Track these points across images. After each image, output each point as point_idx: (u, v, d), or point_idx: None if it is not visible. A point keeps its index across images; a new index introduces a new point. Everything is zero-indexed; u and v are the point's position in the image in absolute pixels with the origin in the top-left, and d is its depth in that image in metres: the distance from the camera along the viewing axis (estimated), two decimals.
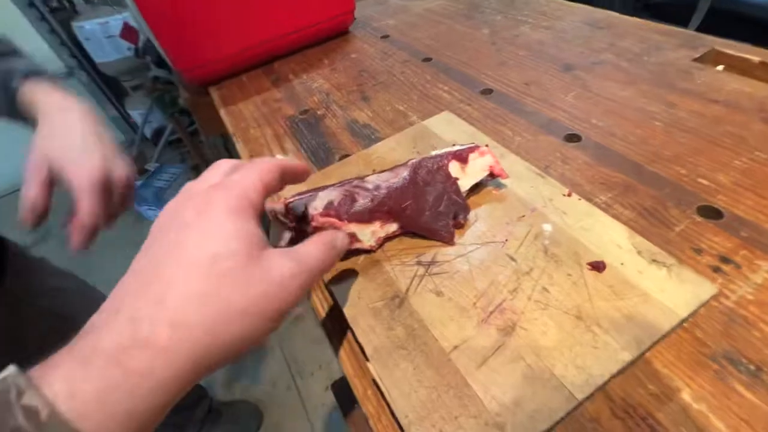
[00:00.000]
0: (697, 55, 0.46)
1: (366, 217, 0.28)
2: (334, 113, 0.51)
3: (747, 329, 0.24)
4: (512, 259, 0.26)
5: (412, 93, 0.51)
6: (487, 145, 0.33)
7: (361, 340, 0.24)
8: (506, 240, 0.28)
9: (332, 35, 0.69)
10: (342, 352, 0.27)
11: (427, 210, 0.30)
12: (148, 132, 1.89)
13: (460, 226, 0.31)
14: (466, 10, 0.69)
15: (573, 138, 0.40)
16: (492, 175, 0.33)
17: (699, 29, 0.66)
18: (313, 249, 0.21)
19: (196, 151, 1.23)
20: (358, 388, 0.25)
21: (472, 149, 0.32)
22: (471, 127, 0.39)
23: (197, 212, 0.19)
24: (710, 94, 0.41)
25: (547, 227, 0.28)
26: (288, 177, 0.23)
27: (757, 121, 0.37)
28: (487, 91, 0.48)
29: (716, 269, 0.27)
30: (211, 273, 0.17)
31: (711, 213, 0.30)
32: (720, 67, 0.46)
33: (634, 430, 0.21)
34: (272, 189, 0.21)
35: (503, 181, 0.33)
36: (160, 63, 1.33)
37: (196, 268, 0.17)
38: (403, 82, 0.54)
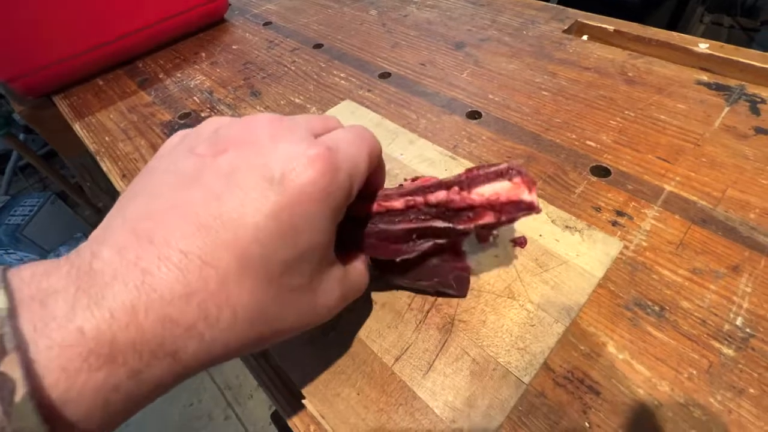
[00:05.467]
0: (566, 27, 0.50)
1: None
2: (221, 113, 0.45)
3: (647, 274, 0.26)
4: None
5: (308, 83, 0.47)
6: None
7: (292, 376, 0.21)
8: None
9: (205, 25, 0.60)
10: (274, 390, 0.23)
11: None
12: None
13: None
14: None
15: (474, 115, 0.40)
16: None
17: (560, 2, 0.73)
18: (362, 279, 0.19)
19: (57, 177, 1.01)
20: (299, 427, 0.22)
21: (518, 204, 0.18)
22: (376, 115, 0.37)
23: (283, 179, 0.13)
24: (582, 62, 0.45)
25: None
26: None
27: (621, 83, 0.41)
28: (386, 75, 0.47)
29: (614, 223, 0.29)
30: (275, 283, 0.13)
31: (601, 172, 0.33)
32: (585, 37, 0.50)
33: (575, 393, 0.22)
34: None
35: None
36: None
37: (252, 270, 0.13)
38: (296, 72, 0.49)
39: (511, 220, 0.18)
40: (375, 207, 0.19)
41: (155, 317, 0.12)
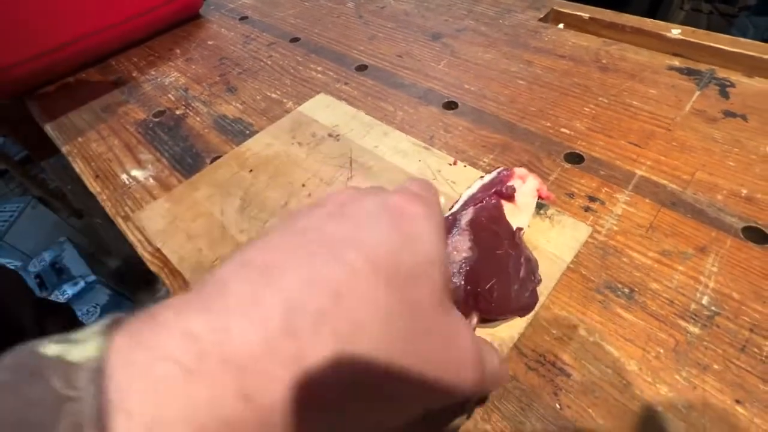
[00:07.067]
0: (542, 15, 0.51)
1: None
2: (196, 111, 0.44)
3: (618, 257, 0.27)
4: None
5: (284, 77, 0.47)
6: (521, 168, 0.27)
7: None
8: None
9: (180, 21, 0.59)
10: None
11: (516, 283, 0.22)
12: None
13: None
14: None
15: (451, 105, 0.40)
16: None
17: None
18: (494, 358, 0.16)
19: (35, 182, 0.99)
20: None
21: (508, 176, 0.26)
22: (351, 108, 0.37)
23: (387, 206, 0.14)
24: (557, 50, 0.45)
25: (440, 200, 0.27)
26: None
27: (596, 71, 0.41)
28: (362, 68, 0.47)
29: (587, 209, 0.30)
30: (396, 289, 0.12)
31: (575, 158, 0.33)
32: (561, 25, 0.51)
33: (547, 376, 0.22)
34: None
35: (548, 204, 0.27)
36: None
37: (377, 271, 0.12)
38: (272, 66, 0.49)
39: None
40: None
41: (280, 305, 0.11)
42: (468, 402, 0.16)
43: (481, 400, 0.21)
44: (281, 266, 0.12)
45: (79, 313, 0.98)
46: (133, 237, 0.33)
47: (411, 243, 0.13)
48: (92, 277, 1.06)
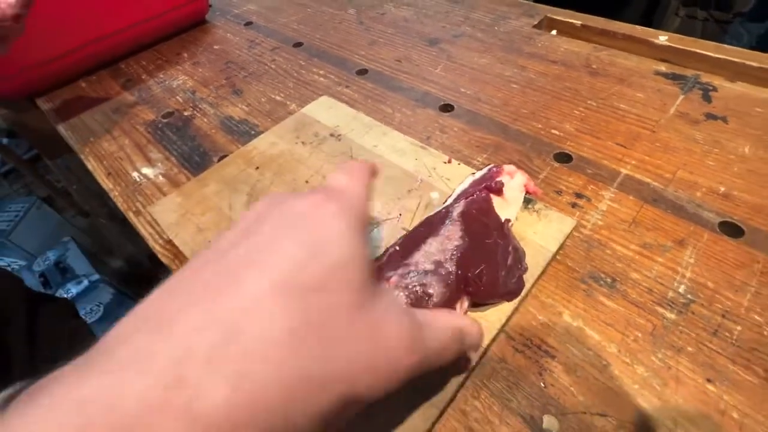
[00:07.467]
0: (535, 22, 0.53)
1: (448, 306, 0.22)
2: (203, 112, 0.46)
3: (602, 250, 0.28)
4: (407, 231, 0.27)
5: (288, 81, 0.49)
6: (510, 164, 0.29)
7: None
8: (400, 214, 0.28)
9: (187, 26, 0.61)
10: None
11: (503, 270, 0.24)
12: None
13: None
14: None
15: (447, 108, 0.42)
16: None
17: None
18: (439, 331, 0.16)
19: (43, 181, 1.01)
20: None
21: (497, 172, 0.27)
22: (352, 110, 0.39)
23: (294, 216, 0.14)
24: (550, 56, 0.47)
25: (435, 195, 0.29)
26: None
27: (586, 75, 0.43)
28: (363, 71, 0.49)
29: (574, 205, 0.31)
30: (302, 305, 0.12)
31: (564, 158, 0.35)
32: (554, 32, 0.53)
33: (533, 357, 0.24)
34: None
35: (536, 200, 0.29)
36: None
37: (280, 291, 0.12)
38: (276, 70, 0.51)
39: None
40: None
41: (170, 354, 0.10)
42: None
43: (460, 369, 0.22)
44: (176, 311, 0.11)
45: (82, 312, 0.99)
46: (144, 231, 0.34)
47: (318, 250, 0.13)
48: (96, 276, 1.08)
